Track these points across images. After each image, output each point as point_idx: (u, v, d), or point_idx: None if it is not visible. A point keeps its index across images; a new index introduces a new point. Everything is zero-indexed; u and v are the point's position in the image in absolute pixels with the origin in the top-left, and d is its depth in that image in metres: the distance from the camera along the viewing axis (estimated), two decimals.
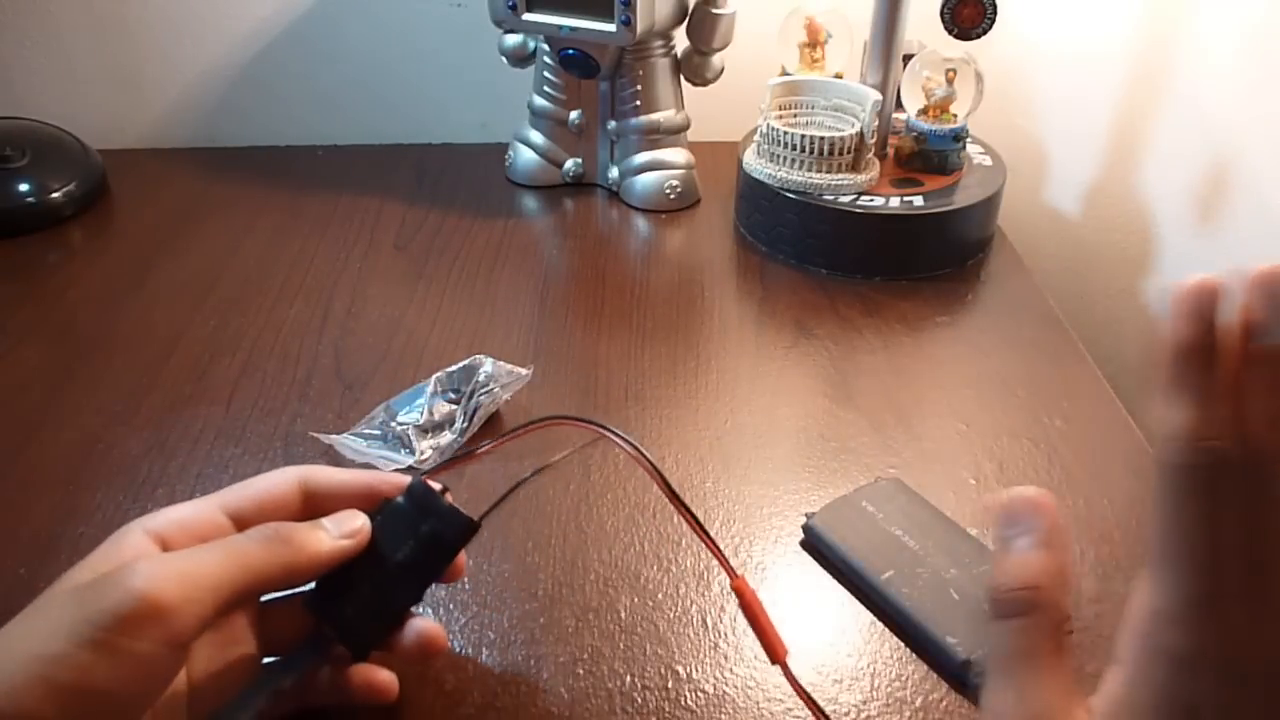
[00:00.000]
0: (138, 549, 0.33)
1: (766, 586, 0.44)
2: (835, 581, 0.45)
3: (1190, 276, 0.25)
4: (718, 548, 0.37)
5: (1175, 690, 0.25)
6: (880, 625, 0.43)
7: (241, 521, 0.35)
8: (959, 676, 0.39)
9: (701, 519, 0.47)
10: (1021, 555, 0.28)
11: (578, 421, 0.39)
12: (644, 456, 0.37)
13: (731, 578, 0.37)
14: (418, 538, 0.37)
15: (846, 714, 0.39)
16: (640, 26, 0.67)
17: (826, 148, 0.66)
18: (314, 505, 0.37)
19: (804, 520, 0.47)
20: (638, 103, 0.75)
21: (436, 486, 0.37)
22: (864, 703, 0.39)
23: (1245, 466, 0.24)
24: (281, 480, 0.37)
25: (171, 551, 0.33)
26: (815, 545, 0.46)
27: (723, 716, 0.39)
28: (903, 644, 0.42)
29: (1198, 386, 0.25)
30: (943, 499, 0.48)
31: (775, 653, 0.36)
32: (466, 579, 0.44)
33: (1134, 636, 0.26)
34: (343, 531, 0.36)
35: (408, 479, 0.38)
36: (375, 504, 0.37)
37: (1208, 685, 0.24)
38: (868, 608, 0.43)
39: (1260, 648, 0.24)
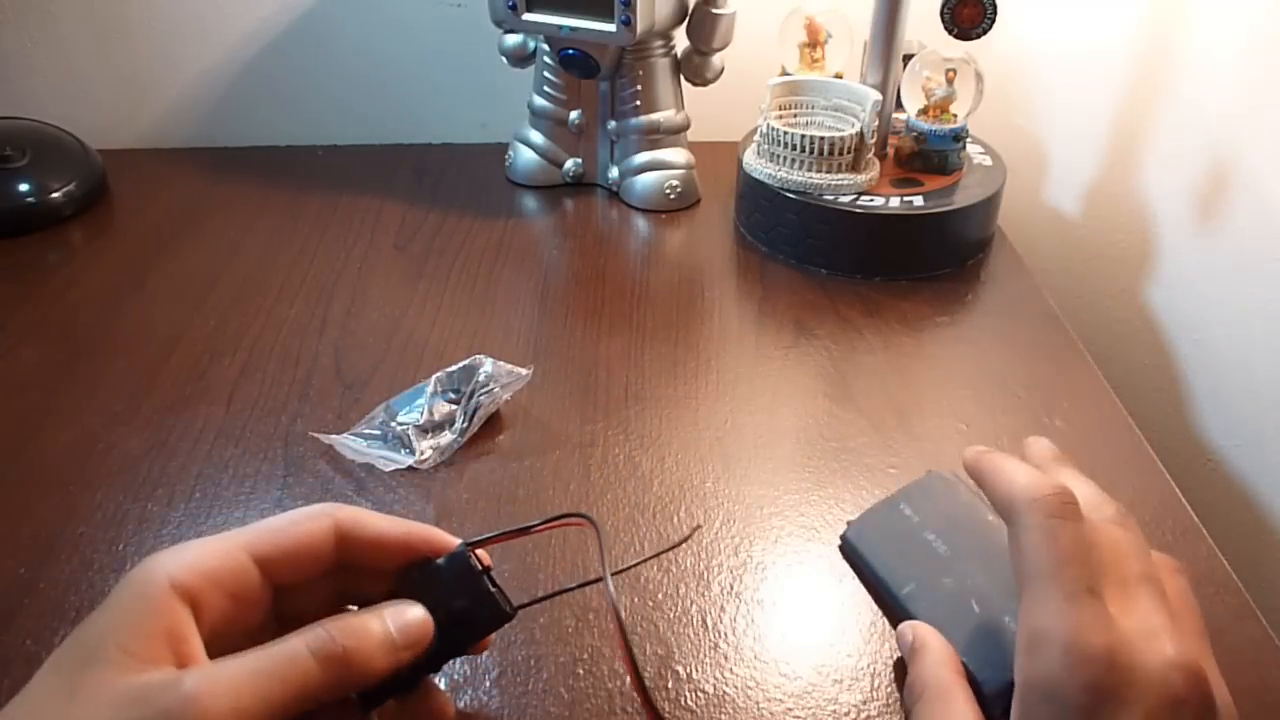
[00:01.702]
0: (167, 614, 0.30)
1: (767, 586, 0.44)
2: (832, 581, 0.45)
3: None
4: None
5: (1065, 684, 0.30)
6: (880, 625, 0.43)
7: (269, 569, 0.33)
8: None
9: (702, 519, 0.48)
10: (914, 661, 0.37)
11: (597, 537, 0.37)
12: (621, 627, 0.35)
13: None
14: (450, 611, 0.34)
15: (846, 714, 0.39)
16: (640, 26, 0.67)
17: (826, 148, 0.66)
18: (347, 551, 0.34)
19: (844, 528, 0.46)
20: (638, 103, 0.75)
21: (485, 559, 0.36)
22: (864, 703, 0.39)
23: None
24: (316, 529, 0.34)
25: (219, 663, 0.30)
26: (849, 555, 0.45)
27: (723, 716, 0.39)
28: None
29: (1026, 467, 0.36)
30: None
31: None
32: None
33: (1020, 655, 0.31)
34: (405, 639, 0.33)
35: (452, 541, 0.36)
36: (412, 557, 0.35)
37: (1085, 673, 0.30)
38: (889, 620, 0.42)
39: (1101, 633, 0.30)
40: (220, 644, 0.31)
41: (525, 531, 0.38)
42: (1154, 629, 0.31)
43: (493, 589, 0.35)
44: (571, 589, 0.39)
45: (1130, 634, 0.30)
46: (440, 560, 0.35)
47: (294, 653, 0.30)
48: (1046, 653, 0.30)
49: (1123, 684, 0.29)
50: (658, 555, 0.40)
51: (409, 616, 0.33)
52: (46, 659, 0.30)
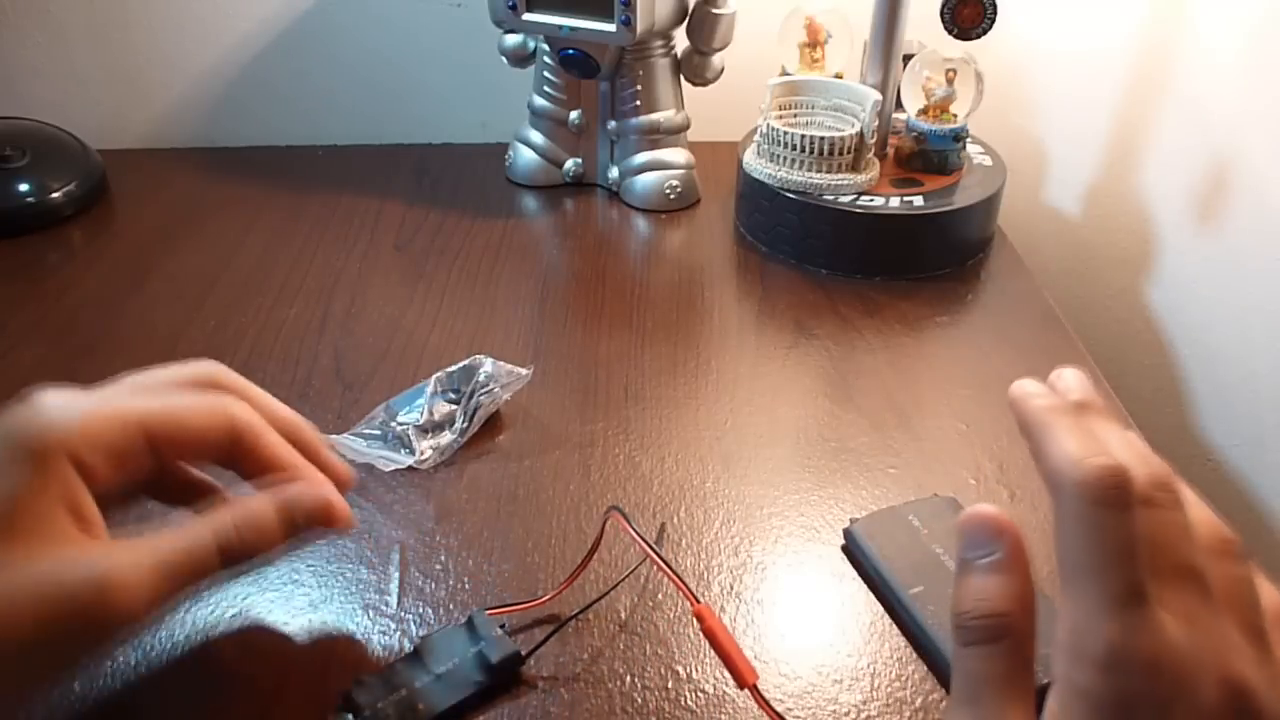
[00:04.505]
0: (66, 484, 0.32)
1: (766, 586, 0.44)
2: (832, 581, 0.45)
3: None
4: (678, 577, 0.41)
5: (1102, 693, 0.26)
6: (880, 625, 0.43)
7: (159, 448, 0.35)
8: None
9: (701, 519, 0.48)
10: (988, 580, 0.29)
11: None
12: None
13: (693, 603, 0.40)
14: (465, 656, 0.39)
15: (846, 714, 0.39)
16: (640, 26, 0.67)
17: (826, 148, 0.66)
18: (239, 450, 0.37)
19: (847, 524, 0.46)
20: (638, 103, 0.75)
21: (495, 619, 0.41)
22: (864, 703, 0.39)
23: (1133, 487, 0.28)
24: (213, 428, 0.36)
25: (130, 545, 0.33)
26: (852, 550, 0.46)
27: (723, 716, 0.39)
28: (904, 644, 0.42)
29: (1078, 430, 0.29)
30: None
31: (743, 678, 0.37)
32: (467, 578, 0.44)
33: (1060, 651, 0.27)
34: (304, 519, 0.37)
35: (339, 469, 0.40)
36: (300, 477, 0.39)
37: (1126, 683, 0.26)
38: (893, 619, 0.43)
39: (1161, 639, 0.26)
40: (98, 503, 0.33)
41: (536, 601, 0.42)
42: (1194, 633, 0.28)
43: (504, 635, 0.40)
44: (575, 615, 0.42)
45: (1173, 641, 0.27)
46: (455, 625, 0.41)
47: (200, 542, 0.34)
48: (1086, 656, 0.28)
49: (1160, 696, 0.27)
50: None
51: (295, 493, 0.37)
52: None
